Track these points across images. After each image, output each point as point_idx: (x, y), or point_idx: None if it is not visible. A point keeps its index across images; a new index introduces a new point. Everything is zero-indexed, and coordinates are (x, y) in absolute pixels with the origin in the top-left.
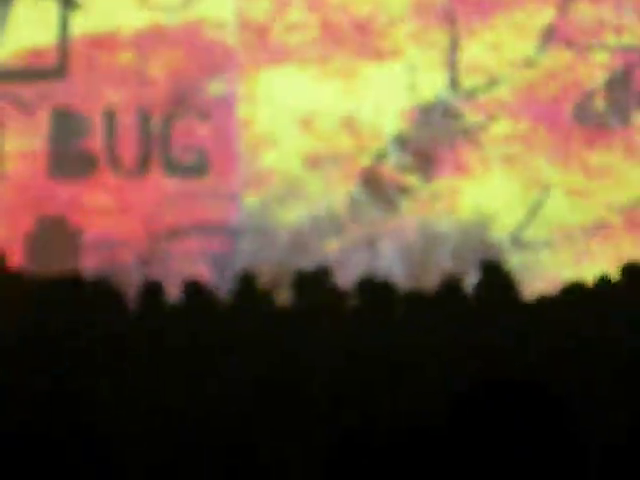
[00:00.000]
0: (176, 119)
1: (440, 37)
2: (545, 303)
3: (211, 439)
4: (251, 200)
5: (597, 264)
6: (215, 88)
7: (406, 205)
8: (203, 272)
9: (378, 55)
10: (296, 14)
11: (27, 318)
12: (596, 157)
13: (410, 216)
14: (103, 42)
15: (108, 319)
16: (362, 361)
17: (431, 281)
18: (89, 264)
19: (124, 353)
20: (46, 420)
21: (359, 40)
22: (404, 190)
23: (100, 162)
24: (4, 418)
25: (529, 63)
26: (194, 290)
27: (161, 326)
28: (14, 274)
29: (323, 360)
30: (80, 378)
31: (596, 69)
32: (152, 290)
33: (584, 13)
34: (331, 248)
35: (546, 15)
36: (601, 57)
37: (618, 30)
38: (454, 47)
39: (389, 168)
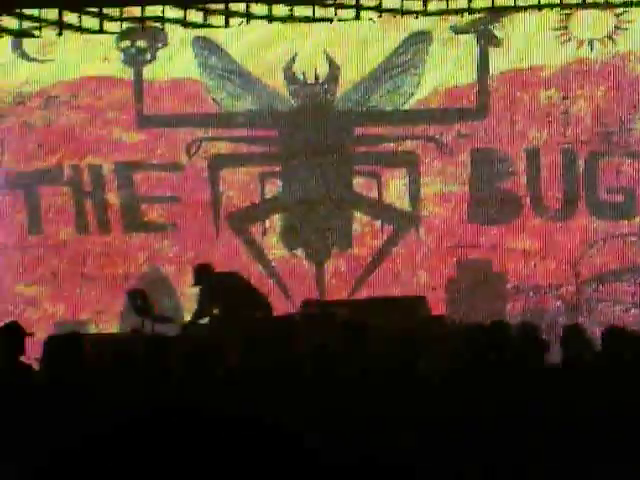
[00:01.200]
0: (602, 158)
1: None
2: None
3: None
4: None
5: None
6: None
7: None
8: (633, 318)
9: None
10: None
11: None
12: None
13: None
14: (524, 80)
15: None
16: None
17: None
18: (514, 309)
19: None
20: None
21: None
22: None
23: (523, 204)
24: None
25: None
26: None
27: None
28: (437, 317)
29: None
30: None
31: None
32: (576, 335)
33: None
34: None
35: None
36: None
37: None
38: None
39: None
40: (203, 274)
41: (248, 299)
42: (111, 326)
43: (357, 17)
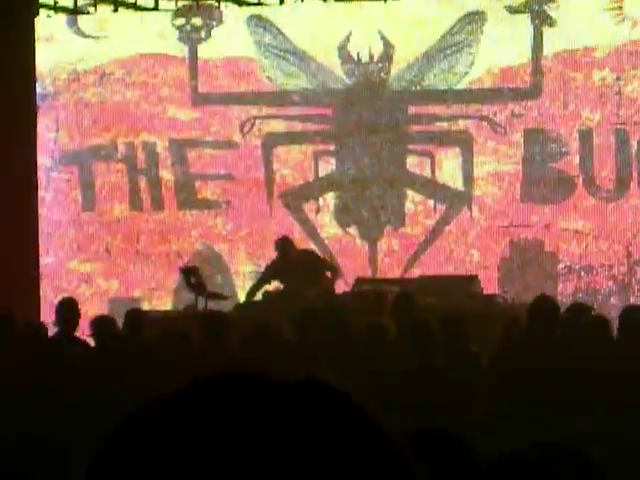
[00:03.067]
0: None
1: None
2: None
3: None
4: None
5: None
6: None
7: None
8: None
9: None
10: None
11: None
12: None
13: None
14: (578, 60)
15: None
16: None
17: None
18: (566, 289)
19: None
20: None
21: None
22: None
23: (576, 184)
24: None
25: None
26: None
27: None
28: (489, 295)
29: None
30: None
31: None
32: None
33: None
34: None
35: None
36: None
37: None
38: None
39: None
40: (284, 247)
41: (312, 277)
42: (164, 303)
43: None
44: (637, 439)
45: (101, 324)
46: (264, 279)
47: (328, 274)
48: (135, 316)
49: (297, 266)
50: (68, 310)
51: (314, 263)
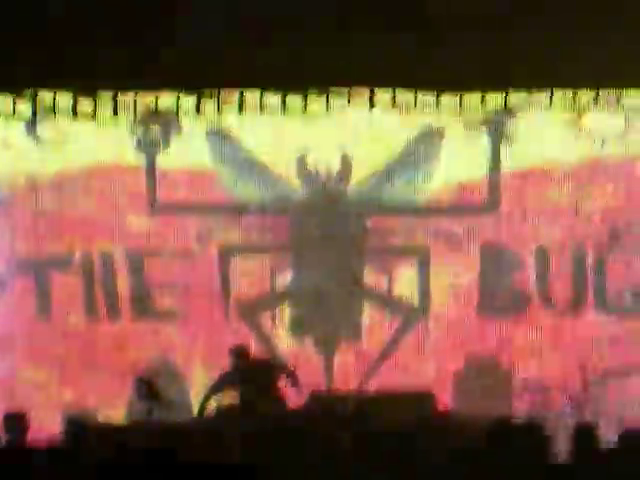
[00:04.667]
0: (611, 256)
1: None
2: None
3: None
4: None
5: None
6: None
7: None
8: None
9: None
10: None
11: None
12: None
13: None
14: (535, 176)
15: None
16: None
17: None
18: (521, 406)
19: None
20: None
21: None
22: None
23: (532, 300)
24: None
25: None
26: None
27: (595, 473)
28: (443, 412)
29: None
30: None
31: None
32: (586, 434)
33: None
34: None
35: None
36: None
37: None
38: None
39: None
40: (240, 355)
41: (267, 387)
42: (118, 414)
43: (370, 109)
44: None
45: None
46: (218, 388)
47: (283, 384)
48: (78, 425)
49: (252, 375)
50: (19, 421)
51: (269, 373)
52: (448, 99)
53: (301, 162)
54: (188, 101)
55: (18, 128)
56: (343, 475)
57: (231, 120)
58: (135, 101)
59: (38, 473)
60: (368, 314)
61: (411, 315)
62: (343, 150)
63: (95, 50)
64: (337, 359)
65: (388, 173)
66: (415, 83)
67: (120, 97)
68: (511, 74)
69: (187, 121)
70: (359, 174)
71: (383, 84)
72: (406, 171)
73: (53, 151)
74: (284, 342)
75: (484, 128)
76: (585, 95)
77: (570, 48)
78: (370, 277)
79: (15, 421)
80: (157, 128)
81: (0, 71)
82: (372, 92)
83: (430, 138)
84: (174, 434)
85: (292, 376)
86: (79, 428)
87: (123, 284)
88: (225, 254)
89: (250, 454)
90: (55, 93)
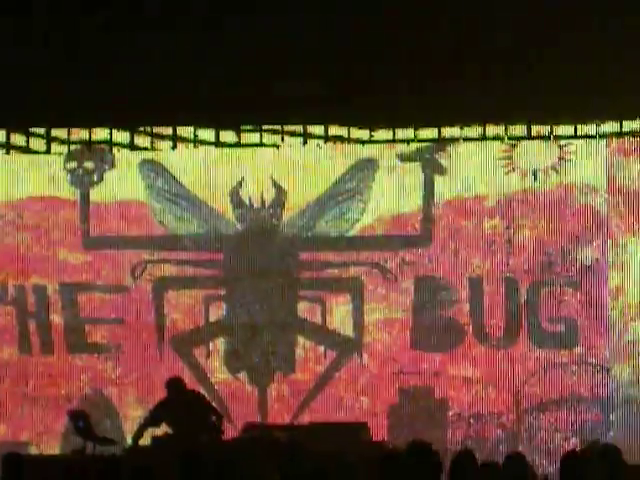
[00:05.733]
0: (544, 288)
1: None
2: None
3: None
4: (621, 371)
5: None
6: (584, 256)
7: None
8: (572, 445)
9: None
10: None
11: None
12: None
13: None
14: (469, 208)
15: None
16: None
17: None
18: (455, 436)
19: None
20: None
21: None
22: None
23: (466, 332)
24: None
25: None
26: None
27: None
28: (378, 443)
29: None
30: None
31: None
32: (516, 463)
33: None
34: None
35: None
36: None
37: None
38: None
39: None
40: (174, 387)
41: (201, 421)
42: (52, 447)
43: (304, 143)
44: None
45: None
46: (152, 421)
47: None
48: (14, 460)
49: (187, 408)
50: None
51: (203, 407)
52: (381, 131)
53: (234, 194)
54: (122, 136)
55: None
56: None
57: (164, 153)
58: (69, 135)
59: None
60: (302, 347)
61: (345, 348)
62: (276, 182)
63: (29, 84)
64: (271, 391)
65: (321, 205)
66: (349, 118)
67: (53, 131)
68: (445, 107)
69: (120, 155)
70: (292, 206)
71: (317, 121)
72: (339, 203)
73: None
74: (218, 375)
75: (418, 160)
76: (517, 128)
77: (503, 81)
78: (304, 310)
79: None
80: (91, 163)
81: None
82: (305, 127)
83: (363, 170)
84: (109, 465)
85: (219, 417)
86: (16, 464)
87: (57, 318)
88: (159, 288)
89: None
90: None
